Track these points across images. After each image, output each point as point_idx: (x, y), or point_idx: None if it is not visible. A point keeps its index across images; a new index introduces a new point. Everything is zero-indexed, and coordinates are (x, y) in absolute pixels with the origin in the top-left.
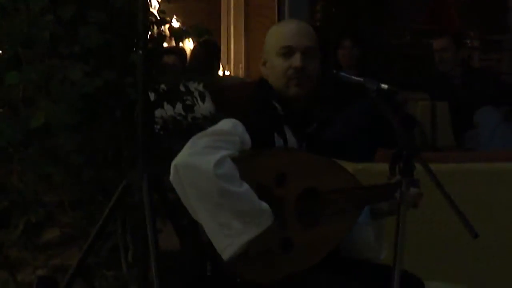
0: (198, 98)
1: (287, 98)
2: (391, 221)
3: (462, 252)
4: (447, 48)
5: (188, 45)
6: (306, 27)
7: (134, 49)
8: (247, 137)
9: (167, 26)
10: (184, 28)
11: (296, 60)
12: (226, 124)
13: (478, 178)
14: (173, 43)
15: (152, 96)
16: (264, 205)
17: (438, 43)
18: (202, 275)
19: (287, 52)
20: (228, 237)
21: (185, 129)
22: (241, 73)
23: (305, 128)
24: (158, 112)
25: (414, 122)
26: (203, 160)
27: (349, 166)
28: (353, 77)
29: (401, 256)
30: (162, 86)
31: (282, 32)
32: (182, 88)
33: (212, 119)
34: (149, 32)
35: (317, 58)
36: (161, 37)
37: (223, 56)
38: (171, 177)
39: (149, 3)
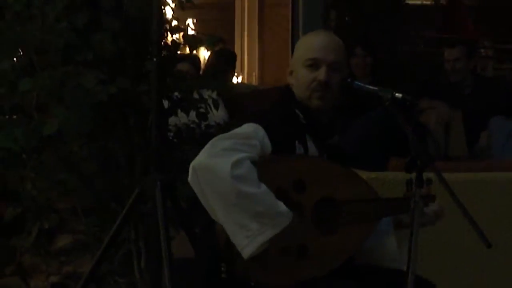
0: (212, 106)
1: (309, 109)
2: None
3: (475, 261)
4: (459, 58)
5: (202, 53)
6: (335, 40)
7: (148, 56)
8: (267, 142)
9: (181, 34)
10: (198, 36)
11: (321, 73)
12: (247, 128)
13: (491, 188)
14: (187, 51)
15: (165, 103)
16: (282, 205)
17: (450, 52)
18: (216, 278)
19: (313, 64)
20: (246, 238)
21: (199, 137)
22: (254, 81)
23: (326, 139)
24: (171, 120)
25: (427, 131)
26: (221, 162)
27: (363, 175)
28: (368, 86)
29: (415, 262)
30: (176, 93)
31: (310, 44)
32: (196, 96)
33: (226, 127)
34: (163, 40)
35: (344, 71)
36: (175, 44)
37: (237, 64)
38: (189, 178)
39: (164, 11)
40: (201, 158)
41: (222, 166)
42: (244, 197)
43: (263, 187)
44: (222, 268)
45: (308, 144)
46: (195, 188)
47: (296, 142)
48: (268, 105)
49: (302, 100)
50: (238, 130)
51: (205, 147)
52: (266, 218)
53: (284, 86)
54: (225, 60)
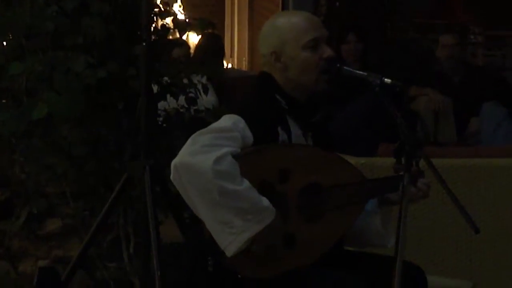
0: (201, 91)
1: (307, 91)
2: (396, 213)
3: (464, 247)
4: (454, 44)
5: (192, 38)
6: (313, 15)
7: (138, 41)
8: (248, 133)
9: (171, 18)
10: (187, 21)
11: (326, 50)
12: (226, 120)
13: (480, 174)
14: (177, 36)
15: (155, 88)
16: (265, 201)
17: (446, 39)
18: (203, 270)
19: (314, 44)
20: (230, 235)
21: (188, 122)
22: (244, 66)
23: (309, 118)
24: (161, 105)
25: (416, 117)
26: (202, 159)
27: (352, 161)
28: (357, 71)
29: (403, 248)
30: (165, 78)
31: (303, 25)
32: (185, 81)
33: (215, 112)
34: (153, 24)
35: None
36: (165, 29)
37: (227, 49)
38: (171, 176)
39: None
40: (182, 155)
41: (204, 164)
42: (227, 194)
43: (246, 183)
44: (209, 262)
45: (291, 128)
46: (177, 186)
47: (279, 128)
48: (247, 93)
49: (304, 84)
50: (217, 123)
51: (186, 144)
52: (249, 215)
53: (260, 73)
54: (213, 45)
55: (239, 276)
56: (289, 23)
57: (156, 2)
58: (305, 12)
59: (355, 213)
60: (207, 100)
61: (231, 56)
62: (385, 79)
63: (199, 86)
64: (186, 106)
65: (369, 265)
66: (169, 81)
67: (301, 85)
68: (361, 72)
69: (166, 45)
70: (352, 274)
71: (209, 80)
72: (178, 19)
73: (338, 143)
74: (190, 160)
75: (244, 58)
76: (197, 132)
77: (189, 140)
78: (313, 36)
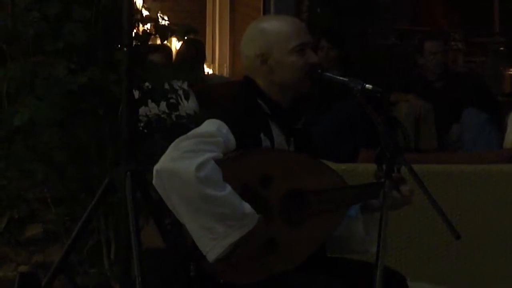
0: (183, 97)
1: (291, 94)
2: (378, 219)
3: (445, 252)
4: (439, 51)
5: (174, 44)
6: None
7: (119, 46)
8: (231, 138)
9: (152, 24)
10: (169, 26)
11: (312, 56)
12: (209, 125)
13: (461, 180)
14: (159, 41)
15: (136, 94)
16: (247, 207)
17: (432, 45)
18: (185, 275)
19: (301, 49)
20: (212, 240)
21: (169, 128)
22: (226, 72)
23: (292, 123)
24: (142, 110)
25: (397, 123)
26: (184, 165)
27: (333, 167)
28: (338, 77)
29: (384, 254)
30: (147, 84)
31: (292, 30)
32: (166, 86)
33: (197, 118)
34: (134, 30)
35: None
36: (146, 34)
37: (208, 55)
38: (153, 182)
39: (134, 1)
40: (164, 161)
41: (186, 170)
42: (209, 200)
43: (228, 188)
44: (191, 267)
45: (273, 133)
46: (159, 191)
47: (262, 134)
48: (230, 98)
49: (290, 87)
50: (200, 128)
51: (168, 149)
52: (232, 221)
53: (243, 78)
54: (194, 50)
55: (221, 281)
56: (277, 27)
57: (137, 8)
58: (291, 16)
59: (337, 219)
60: (188, 106)
61: (212, 62)
62: (366, 85)
63: (180, 92)
64: (167, 111)
65: (351, 271)
66: (150, 86)
67: (284, 87)
68: (342, 78)
69: (148, 51)
70: (333, 280)
71: (190, 86)
72: (159, 24)
73: (320, 148)
74: (172, 166)
75: (225, 64)
76: (180, 138)
77: (172, 145)
78: (301, 41)
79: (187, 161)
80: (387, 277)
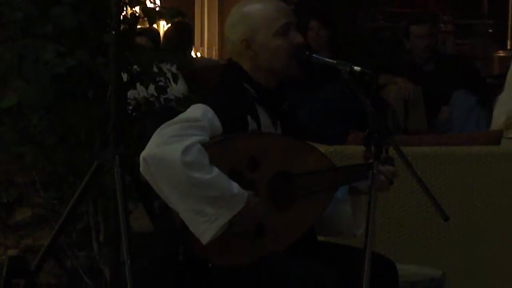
0: (171, 80)
1: (277, 77)
2: (365, 202)
3: (434, 235)
4: (425, 35)
5: (162, 27)
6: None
7: (107, 29)
8: (217, 123)
9: (140, 7)
10: (157, 9)
11: (297, 36)
12: (194, 110)
13: (450, 162)
14: (147, 24)
15: (125, 77)
16: (236, 187)
17: (418, 29)
18: (174, 259)
19: (284, 31)
20: (204, 223)
21: (158, 111)
22: (215, 55)
23: (278, 106)
24: (130, 93)
25: (386, 105)
26: (170, 150)
27: (321, 148)
28: (326, 59)
29: (373, 238)
30: (135, 67)
31: (273, 12)
32: (155, 69)
33: (185, 101)
34: (122, 13)
35: None
36: (134, 17)
37: (197, 38)
38: (141, 169)
39: None
40: (151, 148)
41: (172, 155)
42: (197, 184)
43: (216, 171)
44: (179, 251)
45: (260, 116)
46: (147, 178)
47: (248, 117)
48: (215, 82)
49: (275, 70)
50: (185, 114)
51: (153, 135)
52: (221, 202)
53: (227, 61)
54: (182, 33)
55: (209, 265)
56: (258, 11)
57: None
58: None
59: (325, 201)
60: (177, 89)
61: (201, 45)
62: (355, 67)
63: (169, 75)
64: (156, 95)
65: (340, 256)
66: (138, 69)
67: (271, 71)
68: (330, 60)
69: (136, 34)
70: (322, 264)
71: (179, 69)
72: (147, 7)
73: (309, 131)
74: (158, 152)
75: (214, 47)
76: (165, 123)
77: (157, 132)
78: (283, 22)
79: (173, 146)
80: (376, 263)
